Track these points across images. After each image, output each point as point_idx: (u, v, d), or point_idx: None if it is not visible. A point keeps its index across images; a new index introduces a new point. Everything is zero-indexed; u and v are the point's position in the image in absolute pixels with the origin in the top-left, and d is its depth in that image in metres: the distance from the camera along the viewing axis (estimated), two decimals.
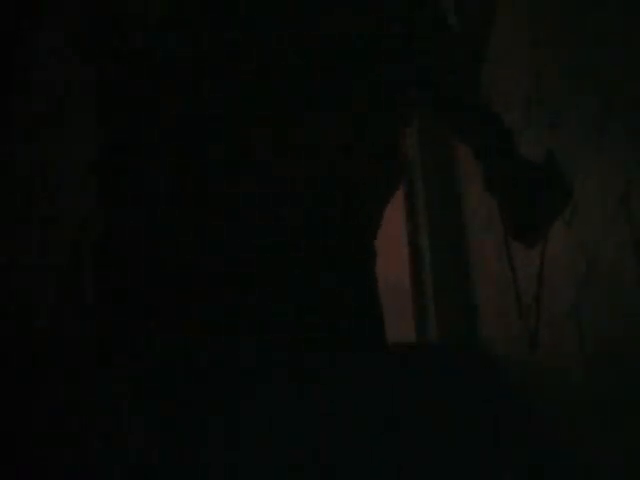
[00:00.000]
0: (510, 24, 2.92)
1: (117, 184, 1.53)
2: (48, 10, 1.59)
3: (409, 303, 4.24)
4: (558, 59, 2.33)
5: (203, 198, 1.52)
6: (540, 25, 2.51)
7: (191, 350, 1.46)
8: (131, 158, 1.57)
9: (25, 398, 1.50)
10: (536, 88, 2.58)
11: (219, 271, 1.48)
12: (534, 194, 1.43)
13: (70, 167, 1.67)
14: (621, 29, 1.85)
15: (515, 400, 1.98)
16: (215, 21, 1.66)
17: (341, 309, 1.46)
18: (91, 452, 1.82)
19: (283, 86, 1.60)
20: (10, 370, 1.44)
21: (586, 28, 2.08)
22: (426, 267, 4.10)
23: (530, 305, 1.52)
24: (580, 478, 1.86)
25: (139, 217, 1.55)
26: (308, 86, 1.59)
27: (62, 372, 1.66)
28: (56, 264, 1.60)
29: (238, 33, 1.65)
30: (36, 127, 1.49)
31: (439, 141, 4.21)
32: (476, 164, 1.52)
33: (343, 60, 1.60)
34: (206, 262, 1.48)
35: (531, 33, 2.62)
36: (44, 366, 1.57)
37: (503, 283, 3.05)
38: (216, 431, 1.39)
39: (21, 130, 1.44)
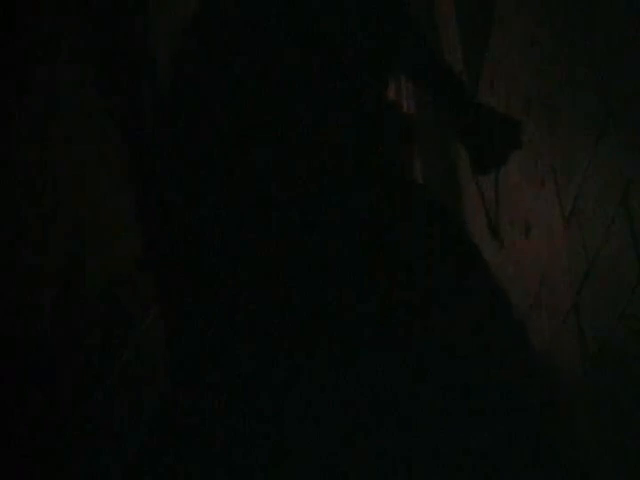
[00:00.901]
0: (510, 24, 2.92)
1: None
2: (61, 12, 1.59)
3: None
4: (558, 59, 2.33)
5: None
6: (540, 25, 2.51)
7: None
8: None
9: (25, 398, 1.50)
10: (536, 88, 2.58)
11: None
12: (492, 137, 1.73)
13: (70, 167, 1.67)
14: (621, 29, 1.85)
15: (515, 400, 1.98)
16: (217, 20, 1.66)
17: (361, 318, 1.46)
18: (91, 452, 1.82)
19: (285, 86, 1.60)
20: (10, 370, 1.44)
21: (586, 28, 2.08)
22: None
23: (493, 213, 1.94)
24: (580, 478, 1.86)
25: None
26: (314, 86, 1.59)
27: (62, 372, 1.66)
28: (56, 264, 1.60)
29: (241, 33, 1.65)
30: (36, 127, 1.49)
31: (439, 141, 4.22)
32: (449, 119, 1.76)
33: (350, 60, 1.60)
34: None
35: (531, 33, 2.62)
36: (44, 366, 1.57)
37: (504, 283, 3.04)
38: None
39: (21, 130, 1.44)
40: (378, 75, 1.62)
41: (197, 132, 1.68)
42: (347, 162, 1.53)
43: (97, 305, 1.83)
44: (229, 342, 1.47)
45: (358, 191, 1.52)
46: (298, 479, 1.37)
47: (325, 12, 1.65)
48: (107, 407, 1.90)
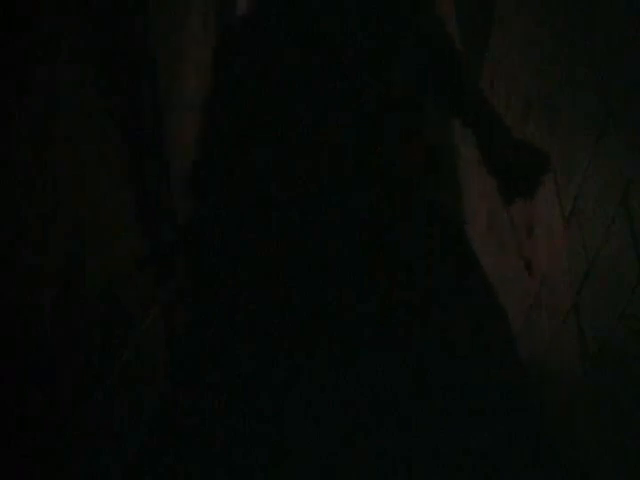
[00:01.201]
0: (510, 24, 2.92)
1: None
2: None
3: None
4: (558, 59, 2.33)
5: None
6: (540, 25, 2.51)
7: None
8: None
9: (25, 398, 1.50)
10: (536, 88, 2.58)
11: None
12: (520, 171, 1.69)
13: (70, 167, 1.67)
14: (621, 29, 1.85)
15: (515, 400, 1.98)
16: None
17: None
18: (91, 452, 1.82)
19: (285, 86, 1.60)
20: (10, 370, 1.44)
21: (586, 28, 2.08)
22: None
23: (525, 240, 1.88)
24: (580, 478, 1.87)
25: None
26: (314, 86, 1.59)
27: (62, 372, 1.66)
28: (56, 264, 1.60)
29: (241, 33, 1.65)
30: (36, 127, 1.49)
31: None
32: (476, 145, 1.72)
33: (350, 60, 1.60)
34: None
35: (531, 33, 2.62)
36: (44, 366, 1.57)
37: (504, 283, 3.05)
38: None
39: (21, 130, 1.44)
40: (378, 75, 1.62)
41: (197, 132, 1.68)
42: (347, 162, 1.53)
43: (97, 305, 1.83)
44: (229, 342, 1.47)
45: (358, 191, 1.52)
46: (298, 479, 1.37)
47: (325, 12, 1.65)
48: (107, 407, 1.90)
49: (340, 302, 1.46)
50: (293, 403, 1.40)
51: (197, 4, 2.74)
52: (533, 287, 2.71)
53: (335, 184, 1.52)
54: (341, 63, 1.59)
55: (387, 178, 1.55)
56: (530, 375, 1.59)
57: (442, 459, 1.37)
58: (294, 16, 1.67)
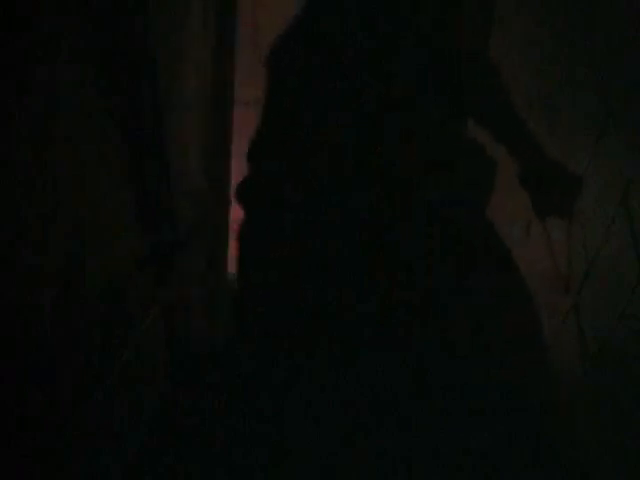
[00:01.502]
0: (510, 24, 2.92)
1: None
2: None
3: None
4: (558, 59, 2.33)
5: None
6: (540, 25, 2.51)
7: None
8: None
9: (25, 398, 1.50)
10: (536, 88, 2.58)
11: None
12: (555, 188, 1.70)
13: (70, 167, 1.67)
14: (621, 29, 1.85)
15: (515, 400, 1.98)
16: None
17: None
18: (91, 452, 1.82)
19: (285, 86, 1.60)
20: (10, 370, 1.44)
21: (586, 28, 2.08)
22: None
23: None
24: (580, 478, 1.87)
25: None
26: (314, 86, 1.59)
27: (62, 372, 1.66)
28: (56, 264, 1.60)
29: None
30: (36, 127, 1.49)
31: None
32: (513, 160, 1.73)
33: (350, 60, 1.60)
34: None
35: (531, 33, 2.62)
36: (44, 366, 1.57)
37: None
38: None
39: (21, 130, 1.44)
40: (378, 75, 1.62)
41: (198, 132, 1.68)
42: (347, 162, 1.53)
43: (97, 305, 1.83)
44: (229, 342, 1.47)
45: (358, 191, 1.52)
46: (298, 479, 1.37)
47: (325, 12, 1.65)
48: (107, 407, 1.90)
49: (340, 302, 1.46)
50: (293, 403, 1.40)
51: (197, 4, 2.74)
52: (533, 287, 2.71)
53: (335, 184, 1.53)
54: (341, 63, 1.59)
55: (387, 178, 1.54)
56: (530, 375, 1.59)
57: (442, 459, 1.37)
58: (294, 16, 1.67)
